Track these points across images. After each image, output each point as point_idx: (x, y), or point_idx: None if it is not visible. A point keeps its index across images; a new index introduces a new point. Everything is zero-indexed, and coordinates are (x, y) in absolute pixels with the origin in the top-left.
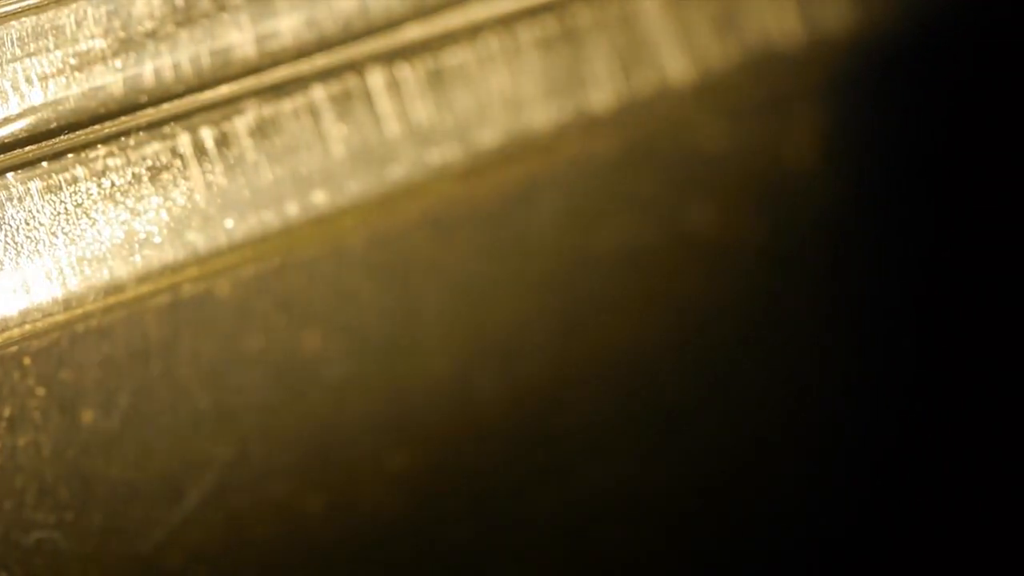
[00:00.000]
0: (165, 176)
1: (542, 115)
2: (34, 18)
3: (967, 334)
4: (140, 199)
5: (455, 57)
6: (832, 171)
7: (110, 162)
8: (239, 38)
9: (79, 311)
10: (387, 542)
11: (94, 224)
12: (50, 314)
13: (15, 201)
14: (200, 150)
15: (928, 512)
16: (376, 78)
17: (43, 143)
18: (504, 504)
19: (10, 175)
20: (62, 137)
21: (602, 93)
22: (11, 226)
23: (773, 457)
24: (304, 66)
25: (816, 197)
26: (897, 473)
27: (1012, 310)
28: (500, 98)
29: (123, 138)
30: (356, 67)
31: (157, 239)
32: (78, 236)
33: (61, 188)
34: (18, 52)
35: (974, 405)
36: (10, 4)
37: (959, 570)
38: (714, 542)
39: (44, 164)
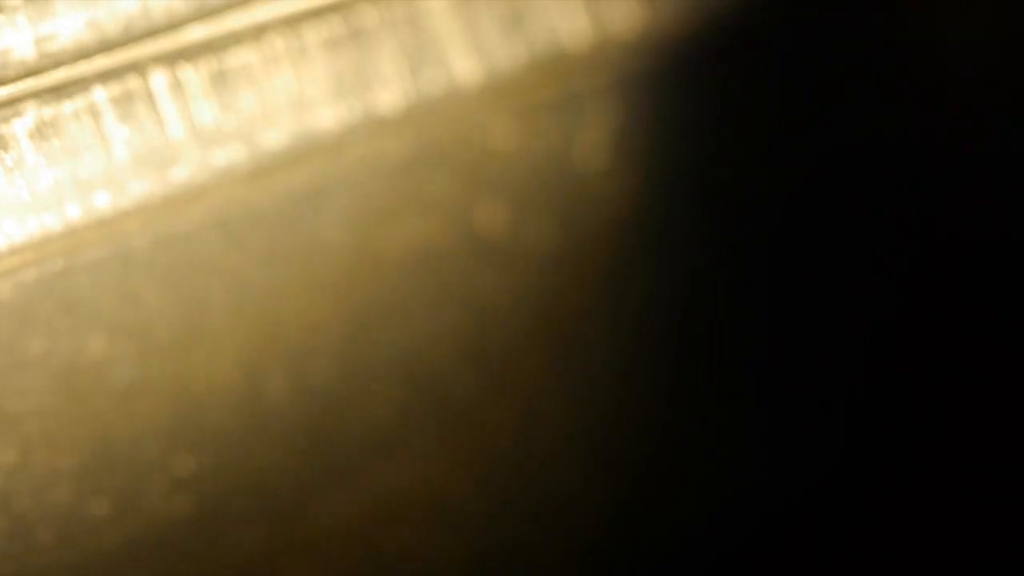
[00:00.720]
0: None
1: (329, 116)
2: None
3: (761, 334)
4: None
5: (239, 58)
6: (623, 170)
7: None
8: (17, 39)
9: None
10: (175, 545)
11: None
12: None
13: None
14: None
15: (725, 514)
16: (159, 79)
17: None
18: (293, 506)
19: None
20: None
21: (390, 93)
22: None
23: (565, 456)
24: (84, 67)
25: (607, 196)
26: (693, 471)
27: (808, 308)
28: (286, 99)
29: None
30: (138, 68)
31: None
32: None
33: None
34: None
35: (765, 404)
36: None
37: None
38: (506, 543)
39: None
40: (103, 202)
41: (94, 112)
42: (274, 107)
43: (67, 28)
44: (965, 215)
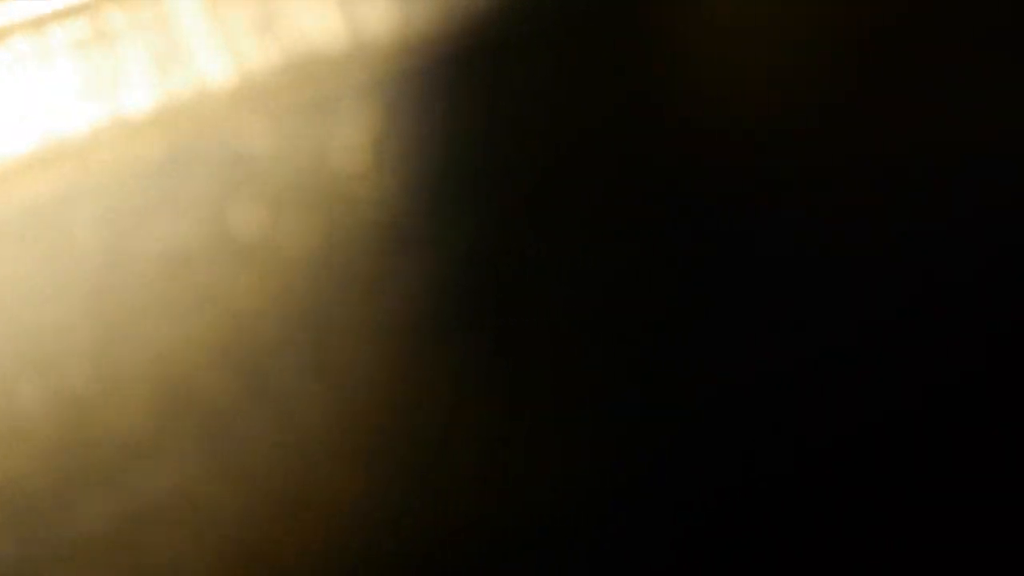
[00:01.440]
0: None
1: (77, 119)
2: None
3: (523, 331)
4: None
5: None
6: (380, 171)
7: None
8: None
9: None
10: None
11: None
12: None
13: None
14: None
15: (494, 508)
16: None
17: None
18: (49, 511)
19: None
20: None
21: (139, 96)
22: None
23: (324, 455)
24: None
25: (364, 198)
26: (457, 466)
27: (574, 301)
28: (32, 102)
29: None
30: None
31: None
32: None
33: None
34: None
35: (532, 399)
36: None
37: None
38: (266, 544)
39: None
40: None
41: None
42: (20, 110)
43: None
44: (730, 216)
